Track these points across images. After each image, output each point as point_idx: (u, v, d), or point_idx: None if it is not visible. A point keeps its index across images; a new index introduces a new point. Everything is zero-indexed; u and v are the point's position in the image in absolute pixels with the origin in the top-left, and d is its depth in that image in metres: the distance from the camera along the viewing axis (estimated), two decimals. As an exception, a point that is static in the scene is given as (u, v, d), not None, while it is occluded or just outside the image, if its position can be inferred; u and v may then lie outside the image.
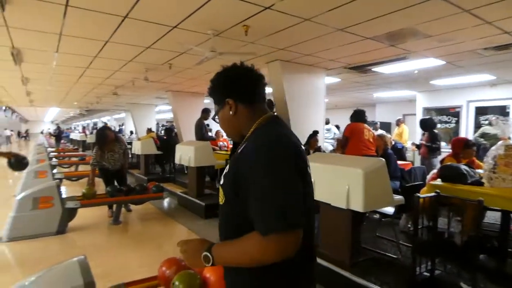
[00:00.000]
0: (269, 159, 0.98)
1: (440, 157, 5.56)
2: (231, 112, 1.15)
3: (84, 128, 27.09)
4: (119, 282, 2.03)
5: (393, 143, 6.78)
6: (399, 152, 6.68)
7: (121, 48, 4.73)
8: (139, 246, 4.00)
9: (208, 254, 1.05)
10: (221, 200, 1.11)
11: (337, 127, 10.87)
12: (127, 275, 2.73)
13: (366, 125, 5.05)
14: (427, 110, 9.44)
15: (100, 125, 27.96)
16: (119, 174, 5.18)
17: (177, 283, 1.82)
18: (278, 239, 0.92)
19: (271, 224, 0.93)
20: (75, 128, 34.86)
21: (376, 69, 5.90)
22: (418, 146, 6.76)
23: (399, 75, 6.62)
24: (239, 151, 1.09)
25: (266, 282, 1.05)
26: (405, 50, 4.69)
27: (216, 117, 1.23)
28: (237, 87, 1.15)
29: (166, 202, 6.28)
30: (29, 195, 4.18)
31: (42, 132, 35.12)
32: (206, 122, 7.26)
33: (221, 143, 7.90)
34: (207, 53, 4.09)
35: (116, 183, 5.02)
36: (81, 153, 12.30)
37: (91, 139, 15.07)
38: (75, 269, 1.63)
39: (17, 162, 3.54)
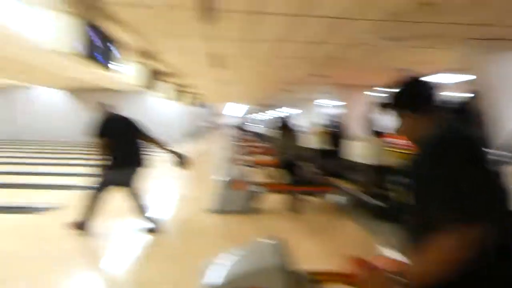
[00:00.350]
0: (440, 150, 1.03)
1: None
2: (410, 122, 1.25)
3: (263, 122, 30.44)
4: (306, 269, 2.10)
5: None
6: None
7: (294, 45, 4.97)
8: (314, 236, 4.15)
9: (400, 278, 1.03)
10: (407, 200, 1.12)
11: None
12: (306, 261, 2.84)
13: None
14: None
15: (273, 120, 30.80)
16: (295, 166, 5.56)
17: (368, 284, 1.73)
18: (459, 233, 0.93)
19: (450, 216, 0.95)
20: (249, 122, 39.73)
21: None
22: None
23: None
24: (419, 151, 1.15)
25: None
26: None
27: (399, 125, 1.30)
28: (417, 101, 1.24)
29: (338, 198, 6.23)
30: (226, 177, 4.99)
31: (231, 126, 41.53)
32: (375, 116, 6.77)
33: (395, 140, 7.20)
34: (385, 41, 3.73)
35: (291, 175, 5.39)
36: (262, 144, 13.84)
37: (267, 132, 16.83)
38: (276, 248, 1.80)
39: (178, 162, 4.15)
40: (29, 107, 16.66)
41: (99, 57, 4.24)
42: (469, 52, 4.63)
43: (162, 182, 7.48)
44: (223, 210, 4.74)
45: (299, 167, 5.60)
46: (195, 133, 23.65)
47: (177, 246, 3.64)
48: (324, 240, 4.02)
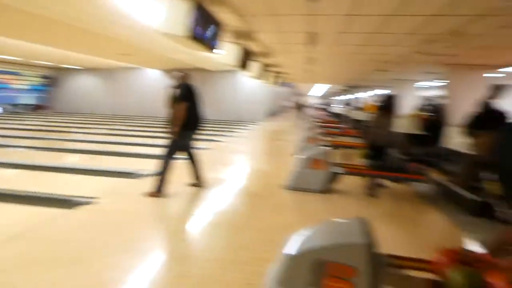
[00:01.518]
0: None
1: None
2: None
3: (345, 103, 29.39)
4: (392, 253, 2.09)
5: None
6: None
7: (403, 20, 4.60)
8: (392, 222, 4.00)
9: None
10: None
11: None
12: (384, 247, 2.79)
13: None
14: None
15: (358, 100, 29.45)
16: (385, 150, 5.34)
17: (457, 276, 1.67)
18: None
19: None
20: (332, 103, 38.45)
21: None
22: None
23: None
24: None
25: None
26: None
27: None
28: None
29: (425, 187, 5.82)
30: (307, 156, 5.03)
31: (312, 106, 40.97)
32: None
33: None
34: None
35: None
36: (341, 126, 13.49)
37: (348, 112, 16.27)
38: (362, 227, 1.84)
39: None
40: (136, 86, 18.86)
41: (207, 39, 4.43)
42: None
43: (242, 157, 7.93)
44: (299, 188, 4.83)
45: (387, 151, 5.36)
46: (278, 112, 24.00)
47: (250, 217, 3.83)
48: (402, 227, 3.87)
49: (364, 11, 4.30)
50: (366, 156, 5.22)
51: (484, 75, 8.28)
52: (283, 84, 21.61)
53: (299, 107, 29.75)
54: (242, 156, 8.23)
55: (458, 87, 8.09)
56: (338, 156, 8.03)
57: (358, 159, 5.54)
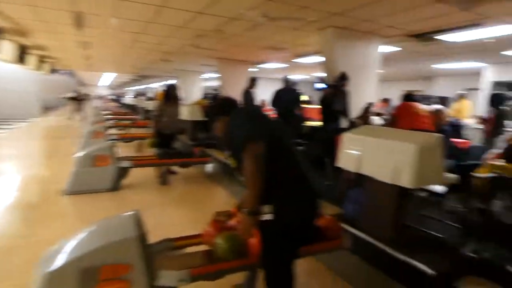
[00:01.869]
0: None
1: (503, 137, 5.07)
2: None
3: (136, 93, 28.42)
4: (168, 237, 2.17)
5: (450, 119, 6.31)
6: (457, 129, 6.20)
7: (174, 13, 4.77)
8: (183, 206, 4.24)
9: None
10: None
11: (387, 100, 10.29)
12: (172, 231, 2.92)
13: (416, 103, 4.69)
14: (496, 84, 8.51)
15: (150, 90, 29.14)
16: (171, 139, 5.51)
17: (221, 241, 1.91)
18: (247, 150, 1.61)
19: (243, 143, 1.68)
20: (125, 93, 36.69)
21: (441, 37, 5.35)
22: (484, 121, 6.20)
23: (466, 44, 5.98)
24: None
25: None
26: (480, 15, 4.17)
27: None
28: None
29: (210, 166, 6.50)
30: (87, 154, 4.53)
31: (103, 97, 37.29)
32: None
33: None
34: (259, 18, 3.98)
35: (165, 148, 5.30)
36: (133, 116, 13.02)
37: (140, 103, 15.86)
38: (130, 221, 1.77)
39: None
40: None
41: None
42: (325, 37, 5.34)
43: (10, 162, 6.34)
44: (84, 190, 4.34)
45: (176, 139, 5.60)
46: (57, 105, 20.51)
47: (24, 235, 3.17)
48: (192, 208, 4.16)
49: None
50: (154, 145, 5.24)
51: (249, 69, 9.97)
52: (62, 73, 18.56)
53: (83, 98, 26.52)
54: (10, 161, 6.54)
55: (228, 78, 9.40)
56: (130, 149, 7.73)
57: (149, 150, 5.46)
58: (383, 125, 5.47)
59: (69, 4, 4.58)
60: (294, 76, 12.76)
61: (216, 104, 2.01)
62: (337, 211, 3.59)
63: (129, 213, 1.88)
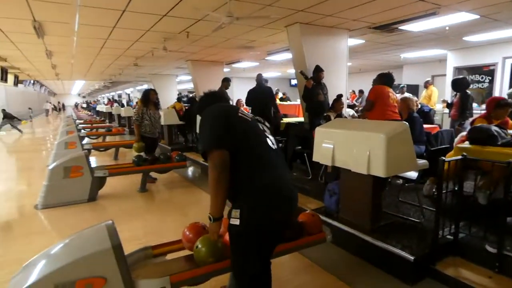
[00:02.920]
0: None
1: (470, 120, 5.28)
2: None
3: (109, 100, 27.76)
4: (146, 245, 2.13)
5: (419, 106, 6.52)
6: (426, 115, 6.41)
7: (138, 17, 4.70)
8: (164, 212, 4.18)
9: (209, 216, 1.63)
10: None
11: (361, 92, 10.54)
12: (154, 239, 2.88)
13: (390, 89, 4.75)
14: (458, 69, 8.89)
15: (124, 96, 28.52)
16: (154, 144, 5.49)
17: (199, 245, 1.89)
18: (210, 157, 1.58)
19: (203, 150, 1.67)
20: (99, 100, 35.83)
21: (403, 27, 5.54)
22: (449, 105, 6.42)
23: (428, 32, 6.22)
24: None
25: None
26: (435, 4, 4.36)
27: None
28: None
29: (189, 170, 6.45)
30: (60, 165, 4.37)
31: (76, 105, 36.23)
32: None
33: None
34: (224, 18, 3.97)
35: (144, 154, 5.21)
36: (107, 124, 12.68)
37: (116, 110, 15.51)
38: (104, 232, 1.72)
39: None
40: None
41: None
42: (292, 34, 5.40)
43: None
44: (59, 203, 4.22)
45: (157, 144, 5.56)
46: (27, 116, 19.73)
47: None
48: (173, 213, 4.11)
49: (90, 3, 4.05)
50: (141, 149, 5.15)
51: (224, 69, 9.94)
52: (29, 83, 17.81)
53: (55, 108, 25.69)
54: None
55: (201, 80, 9.35)
56: (106, 157, 7.55)
57: (131, 156, 5.34)
58: (358, 116, 5.59)
59: (27, 13, 4.41)
60: (268, 74, 12.85)
61: (200, 99, 1.94)
62: (319, 205, 3.66)
63: (102, 224, 1.83)
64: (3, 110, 14.38)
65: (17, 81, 11.98)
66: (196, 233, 2.05)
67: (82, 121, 13.17)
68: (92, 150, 7.35)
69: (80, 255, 1.60)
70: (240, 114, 1.74)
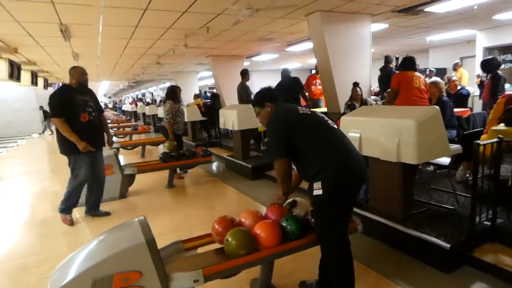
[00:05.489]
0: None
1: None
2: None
3: (133, 99, 28.41)
4: (176, 239, 2.17)
5: (458, 88, 6.25)
6: (464, 99, 6.12)
7: (159, 15, 4.75)
8: (192, 207, 4.25)
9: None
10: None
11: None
12: (184, 233, 2.94)
13: (416, 73, 4.57)
14: (488, 50, 8.42)
15: (148, 95, 29.13)
16: (181, 140, 5.62)
17: (230, 239, 1.91)
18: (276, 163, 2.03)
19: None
20: (125, 100, 36.71)
21: (429, 8, 5.27)
22: (481, 83, 6.12)
23: (455, 13, 5.91)
24: None
25: None
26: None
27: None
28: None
29: (214, 165, 6.52)
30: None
31: (106, 106, 37.21)
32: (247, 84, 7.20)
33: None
34: (244, 11, 3.94)
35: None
36: (133, 123, 13.03)
37: (141, 109, 15.89)
38: (137, 228, 1.77)
39: None
40: None
41: None
42: (313, 22, 5.28)
43: (19, 179, 6.38)
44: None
45: (182, 142, 5.69)
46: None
47: (38, 251, 3.19)
48: (201, 208, 4.17)
49: (117, 3, 4.13)
50: (174, 149, 5.24)
51: (244, 63, 9.92)
52: (58, 86, 18.58)
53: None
54: (19, 177, 6.60)
55: (222, 75, 9.37)
56: (134, 155, 7.77)
57: (157, 153, 5.48)
58: (382, 103, 5.42)
59: (54, 16, 4.56)
60: (289, 65, 12.69)
61: (263, 90, 2.20)
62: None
63: (135, 219, 1.88)
64: (45, 111, 14.53)
65: (46, 84, 12.45)
66: (225, 227, 2.06)
67: (109, 121, 13.58)
68: (120, 149, 7.58)
69: (116, 250, 1.65)
70: (301, 112, 2.01)
